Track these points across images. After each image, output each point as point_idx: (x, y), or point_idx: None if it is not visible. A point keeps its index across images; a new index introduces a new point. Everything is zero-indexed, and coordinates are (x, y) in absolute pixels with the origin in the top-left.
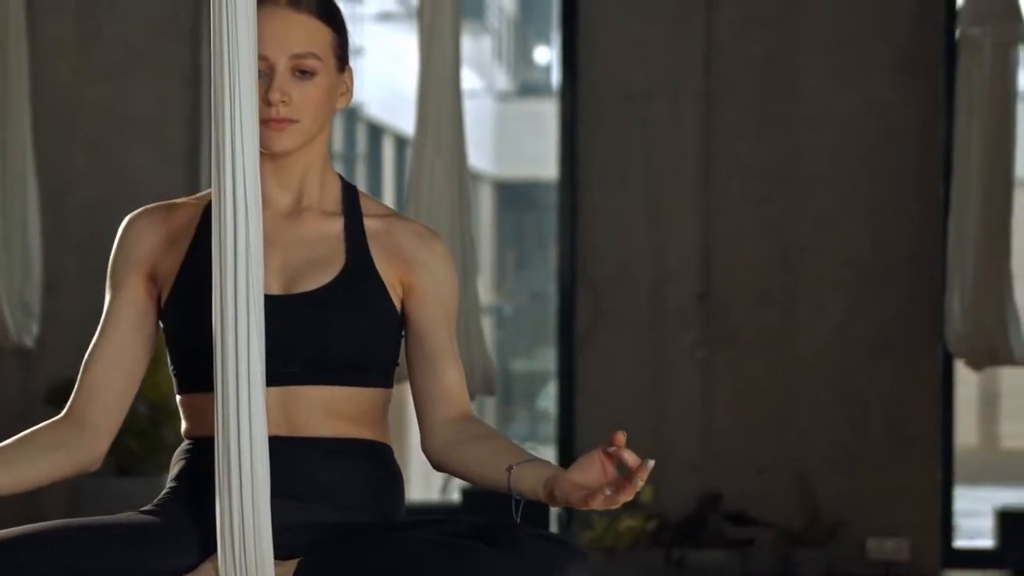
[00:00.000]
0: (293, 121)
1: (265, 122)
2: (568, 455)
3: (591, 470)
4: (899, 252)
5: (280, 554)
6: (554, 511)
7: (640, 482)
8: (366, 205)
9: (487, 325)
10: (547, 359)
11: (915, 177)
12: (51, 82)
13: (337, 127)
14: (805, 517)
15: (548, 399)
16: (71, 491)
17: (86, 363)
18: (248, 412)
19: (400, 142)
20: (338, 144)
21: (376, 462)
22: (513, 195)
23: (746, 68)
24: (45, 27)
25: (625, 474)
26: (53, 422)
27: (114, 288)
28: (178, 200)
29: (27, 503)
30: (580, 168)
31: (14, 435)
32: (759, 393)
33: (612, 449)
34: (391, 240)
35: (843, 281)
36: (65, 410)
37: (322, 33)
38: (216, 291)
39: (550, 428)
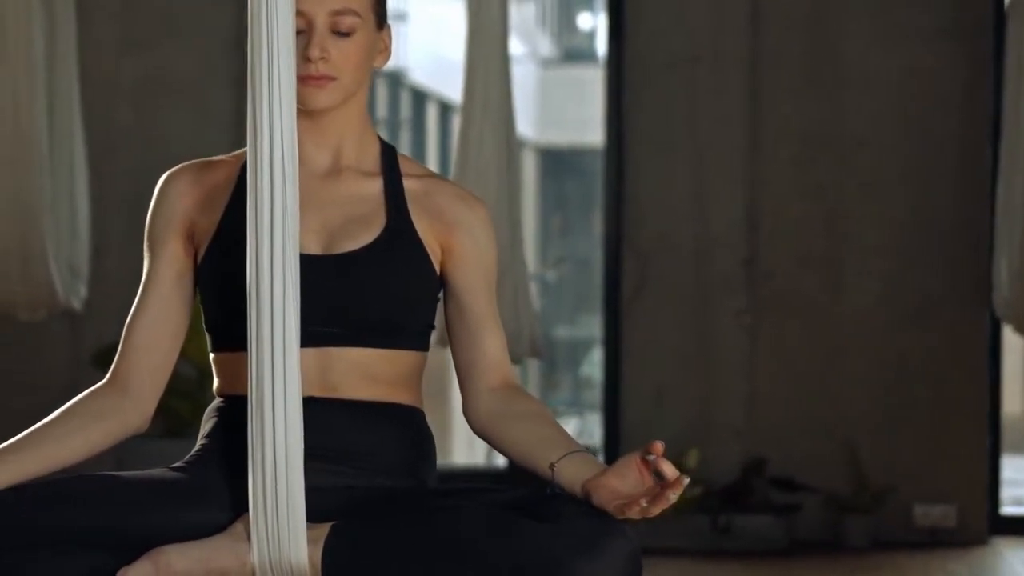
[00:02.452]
0: (332, 78)
1: (303, 79)
2: (614, 422)
3: (629, 476)
4: (944, 216)
5: (310, 516)
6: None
7: (674, 496)
8: (405, 165)
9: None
10: (591, 326)
11: (960, 142)
12: (97, 46)
13: (381, 93)
14: (851, 483)
15: (592, 366)
16: (117, 453)
17: (128, 326)
18: (283, 372)
19: (444, 108)
20: (382, 110)
21: (409, 426)
22: (557, 162)
23: (790, 32)
24: None
25: (661, 484)
26: (98, 388)
27: (152, 249)
28: (214, 158)
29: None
30: (625, 134)
31: (63, 395)
32: (804, 358)
33: (651, 458)
34: (431, 202)
35: (888, 246)
36: (109, 375)
37: None
38: (251, 251)
39: (593, 395)
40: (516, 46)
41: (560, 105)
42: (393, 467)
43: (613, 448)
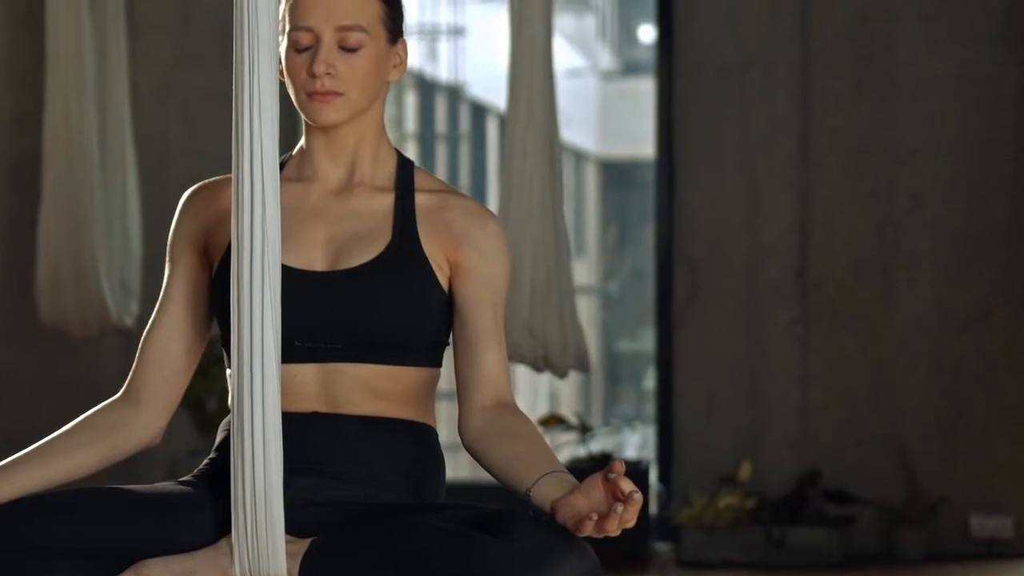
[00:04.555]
0: (338, 94)
1: (311, 95)
2: (667, 433)
3: (593, 495)
4: (997, 223)
5: (304, 531)
6: (653, 488)
7: (628, 513)
8: (420, 180)
9: (593, 305)
10: (651, 339)
11: (1012, 148)
12: (148, 63)
13: (440, 107)
14: (905, 493)
15: (653, 379)
16: (169, 459)
17: (144, 340)
18: (261, 388)
19: (504, 122)
20: (441, 124)
21: (414, 442)
22: (617, 174)
23: (840, 40)
24: (142, 8)
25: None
26: (110, 403)
27: (171, 265)
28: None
29: (127, 470)
30: (677, 145)
31: None
32: (857, 368)
33: (612, 476)
34: (442, 217)
35: (941, 253)
36: (124, 388)
37: (370, 5)
38: (233, 268)
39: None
40: (576, 59)
41: (620, 118)
42: (392, 483)
43: (667, 460)
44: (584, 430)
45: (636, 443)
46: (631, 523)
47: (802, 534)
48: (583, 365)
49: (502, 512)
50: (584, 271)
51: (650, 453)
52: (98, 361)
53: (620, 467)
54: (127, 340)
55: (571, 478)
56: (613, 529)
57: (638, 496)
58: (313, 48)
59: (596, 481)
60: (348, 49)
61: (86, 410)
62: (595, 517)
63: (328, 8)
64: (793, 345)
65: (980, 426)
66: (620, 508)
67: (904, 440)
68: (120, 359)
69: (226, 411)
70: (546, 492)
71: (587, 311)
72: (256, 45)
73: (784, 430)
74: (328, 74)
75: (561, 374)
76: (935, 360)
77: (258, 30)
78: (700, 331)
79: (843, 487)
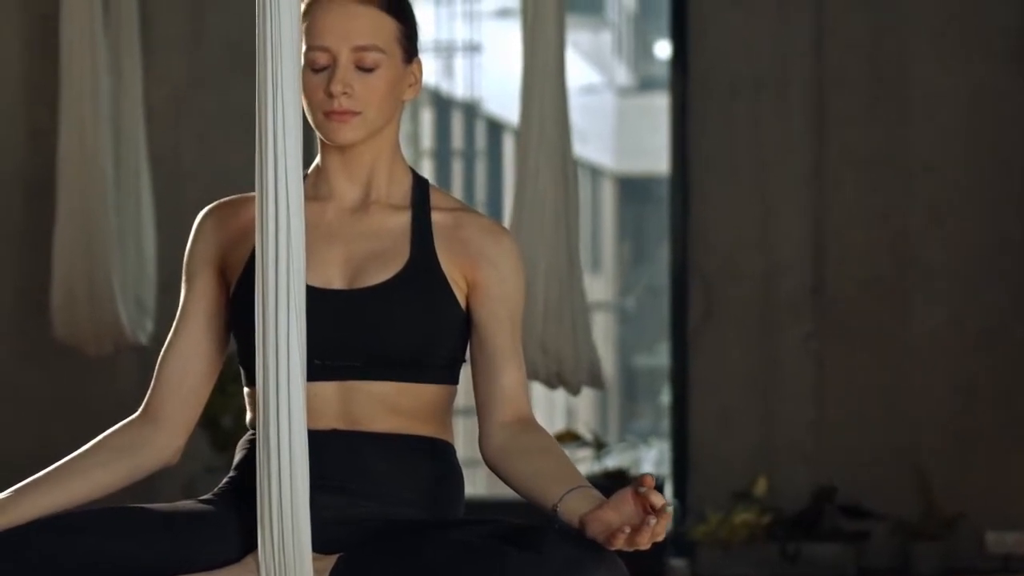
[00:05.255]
0: (356, 113)
1: (328, 114)
2: (682, 449)
3: (623, 509)
4: (1011, 239)
5: (328, 548)
6: (669, 504)
7: (659, 526)
8: (436, 199)
9: (610, 321)
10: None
11: None
12: (162, 81)
13: (456, 124)
14: (921, 509)
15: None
16: (187, 487)
17: (161, 360)
18: (288, 406)
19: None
20: (458, 141)
21: (433, 459)
22: (634, 190)
23: (854, 56)
24: (157, 26)
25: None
26: (129, 422)
27: (188, 283)
28: (249, 194)
29: (145, 489)
30: (691, 161)
31: None
32: (872, 384)
33: (642, 490)
34: (458, 235)
35: (956, 269)
36: (142, 407)
37: (386, 24)
38: (258, 286)
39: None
40: (593, 75)
41: (637, 133)
42: (414, 499)
43: (682, 476)
44: (599, 446)
45: (652, 459)
46: (661, 536)
47: (817, 549)
48: (596, 382)
49: (529, 526)
50: (600, 287)
51: (666, 469)
52: (113, 379)
53: (650, 481)
54: (142, 358)
55: (597, 493)
56: (644, 542)
57: (670, 509)
58: (330, 68)
59: (626, 495)
60: (365, 69)
61: (100, 428)
62: (627, 530)
63: (345, 28)
64: (808, 361)
65: (996, 441)
66: (653, 521)
67: (919, 455)
68: (135, 377)
69: (242, 429)
70: (573, 507)
71: (604, 327)
72: (280, 61)
73: (799, 446)
74: (345, 94)
75: (574, 391)
76: (950, 375)
77: (281, 46)
78: (715, 347)
79: (858, 503)
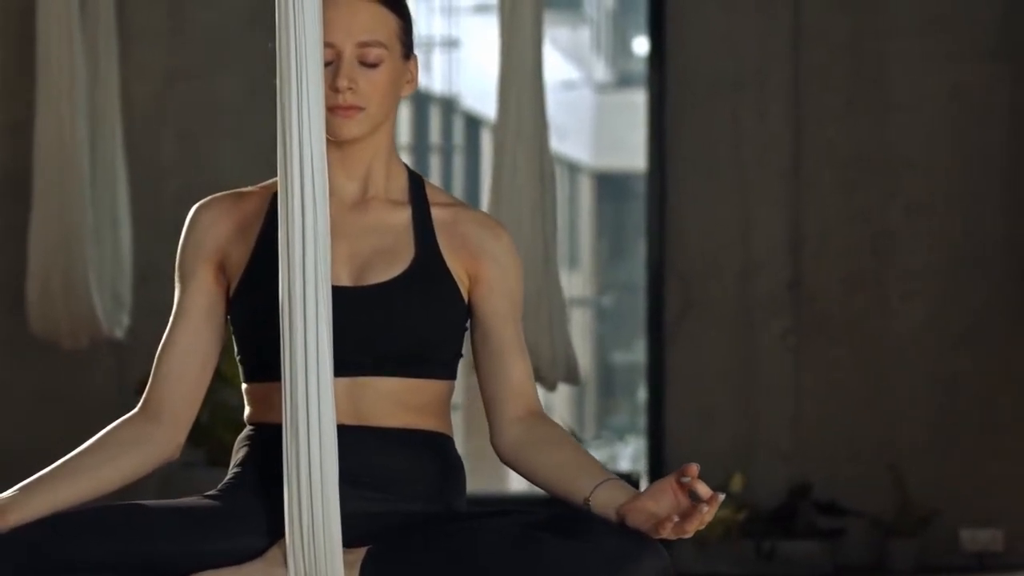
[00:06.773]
0: (360, 108)
1: (332, 109)
2: (658, 445)
3: (664, 499)
4: (992, 237)
5: (343, 542)
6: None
7: (708, 514)
8: (432, 194)
9: (587, 317)
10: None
11: (1006, 162)
12: (140, 73)
13: (434, 119)
14: (897, 507)
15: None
16: (162, 481)
17: (159, 356)
18: (317, 401)
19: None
20: (436, 136)
21: (438, 452)
22: (611, 186)
23: (833, 54)
24: (135, 19)
25: (696, 503)
26: (130, 418)
27: (184, 279)
28: (245, 189)
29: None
30: (669, 158)
31: (107, 424)
32: (849, 381)
33: (685, 480)
34: (457, 231)
35: (935, 267)
36: (140, 404)
37: (388, 20)
38: (283, 282)
39: None
40: (571, 71)
41: (615, 130)
42: (423, 493)
43: (657, 472)
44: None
45: (629, 455)
46: (706, 524)
47: (793, 546)
48: (573, 378)
49: (571, 515)
50: (578, 283)
51: (642, 465)
52: (89, 373)
53: (694, 470)
54: (118, 352)
55: (628, 485)
56: (691, 530)
57: (721, 495)
58: (334, 63)
59: (665, 485)
60: (368, 64)
61: (77, 422)
62: (676, 519)
63: (349, 24)
64: (785, 358)
65: (973, 440)
66: (705, 508)
67: (896, 453)
68: (111, 371)
69: (219, 424)
70: (607, 499)
71: (581, 323)
72: (304, 54)
73: (776, 443)
74: (350, 89)
75: (550, 387)
76: (928, 373)
77: (305, 39)
78: (692, 343)
79: (835, 500)
